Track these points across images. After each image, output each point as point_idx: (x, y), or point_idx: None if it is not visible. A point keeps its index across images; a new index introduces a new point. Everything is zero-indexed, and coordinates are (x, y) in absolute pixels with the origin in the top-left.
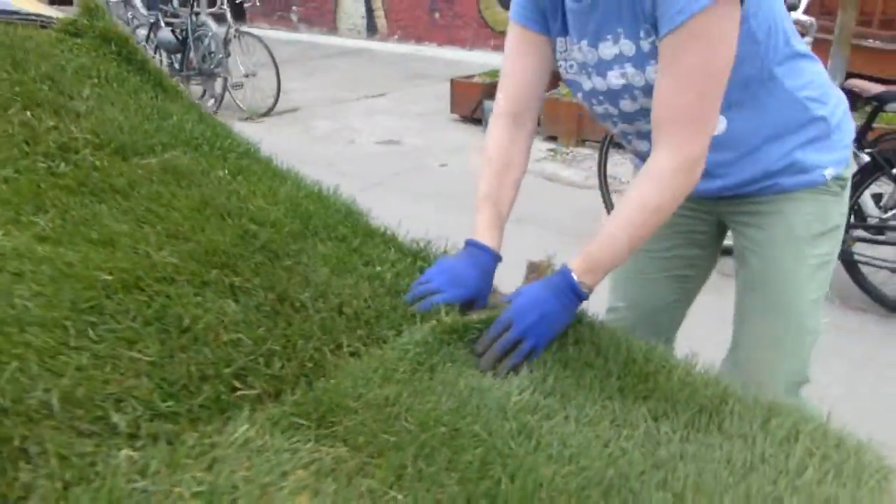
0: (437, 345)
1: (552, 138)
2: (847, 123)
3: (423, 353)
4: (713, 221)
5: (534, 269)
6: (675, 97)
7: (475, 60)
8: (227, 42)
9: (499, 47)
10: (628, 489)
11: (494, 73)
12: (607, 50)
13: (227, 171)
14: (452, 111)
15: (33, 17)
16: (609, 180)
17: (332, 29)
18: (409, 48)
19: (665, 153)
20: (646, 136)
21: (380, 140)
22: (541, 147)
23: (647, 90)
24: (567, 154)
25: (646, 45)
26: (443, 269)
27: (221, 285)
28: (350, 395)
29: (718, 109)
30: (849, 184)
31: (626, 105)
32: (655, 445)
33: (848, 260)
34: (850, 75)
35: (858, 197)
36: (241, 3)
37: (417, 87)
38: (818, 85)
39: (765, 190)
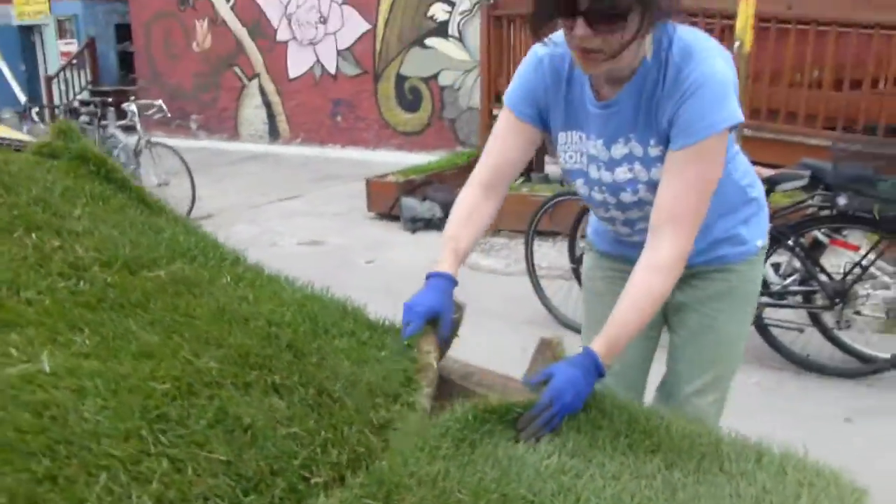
0: (477, 422)
1: (498, 231)
2: (765, 203)
3: (463, 430)
4: None
5: (547, 346)
6: (679, 201)
7: (380, 160)
8: (137, 153)
9: (402, 146)
10: None
11: (408, 172)
12: (618, 150)
13: (229, 279)
14: (369, 209)
15: (7, 141)
16: (536, 268)
17: (234, 135)
18: (313, 151)
19: (668, 247)
20: (630, 223)
21: (302, 241)
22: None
23: (650, 185)
24: (484, 244)
25: (654, 151)
26: (409, 306)
27: (264, 384)
28: (405, 474)
29: (707, 208)
30: (765, 250)
31: (626, 197)
32: (673, 491)
33: (759, 324)
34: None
35: None
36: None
37: (328, 188)
38: (750, 173)
39: (712, 261)
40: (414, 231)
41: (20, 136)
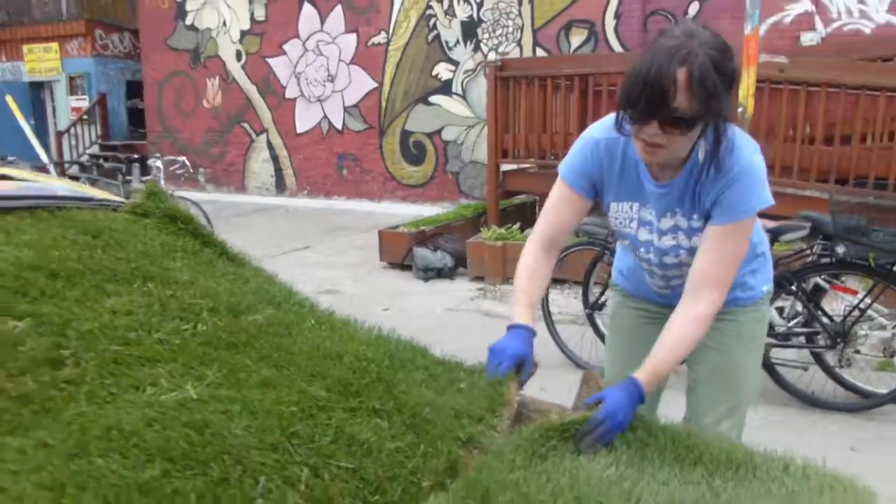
0: (543, 439)
1: (479, 278)
2: (769, 253)
3: (533, 445)
4: None
5: (591, 377)
6: (716, 268)
7: (385, 211)
8: None
9: (406, 198)
10: None
11: (418, 223)
12: (666, 222)
13: (313, 322)
14: (382, 259)
15: (105, 202)
16: (552, 314)
17: (241, 188)
18: (319, 203)
19: (705, 304)
20: (667, 279)
21: (319, 290)
22: (470, 287)
23: (690, 251)
24: (495, 291)
25: (696, 224)
26: (498, 349)
27: (366, 409)
28: (492, 481)
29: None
30: (770, 294)
31: (669, 259)
32: (716, 494)
33: (766, 363)
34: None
35: None
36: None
37: (337, 238)
38: (759, 231)
39: (726, 304)
40: (426, 280)
41: (112, 197)
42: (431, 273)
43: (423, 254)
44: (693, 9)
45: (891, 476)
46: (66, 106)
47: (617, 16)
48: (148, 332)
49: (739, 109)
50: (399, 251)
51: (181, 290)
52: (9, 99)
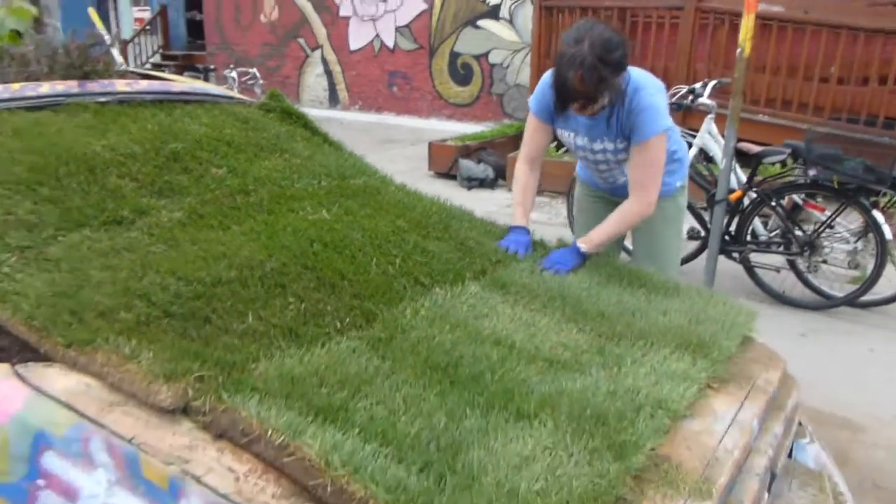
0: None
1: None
2: (685, 159)
3: (532, 265)
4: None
5: (559, 241)
6: (642, 172)
7: (432, 128)
8: None
9: (452, 116)
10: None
11: (464, 138)
12: (597, 146)
13: (393, 188)
14: (430, 168)
15: (238, 100)
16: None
17: (296, 101)
18: (370, 117)
19: (636, 199)
20: (603, 174)
21: None
22: (507, 196)
23: (616, 161)
24: (554, 204)
25: (620, 145)
26: (509, 240)
27: (432, 236)
28: (508, 280)
29: (660, 180)
30: (686, 188)
31: (602, 166)
32: (649, 302)
33: (746, 265)
34: (739, 140)
35: (751, 222)
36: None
37: (389, 150)
38: (677, 141)
39: None
40: (469, 188)
41: (241, 97)
42: (474, 182)
43: (468, 165)
44: None
45: (829, 360)
46: (129, 16)
47: None
48: (291, 183)
49: (738, 51)
50: (446, 162)
51: (305, 160)
52: (91, 11)
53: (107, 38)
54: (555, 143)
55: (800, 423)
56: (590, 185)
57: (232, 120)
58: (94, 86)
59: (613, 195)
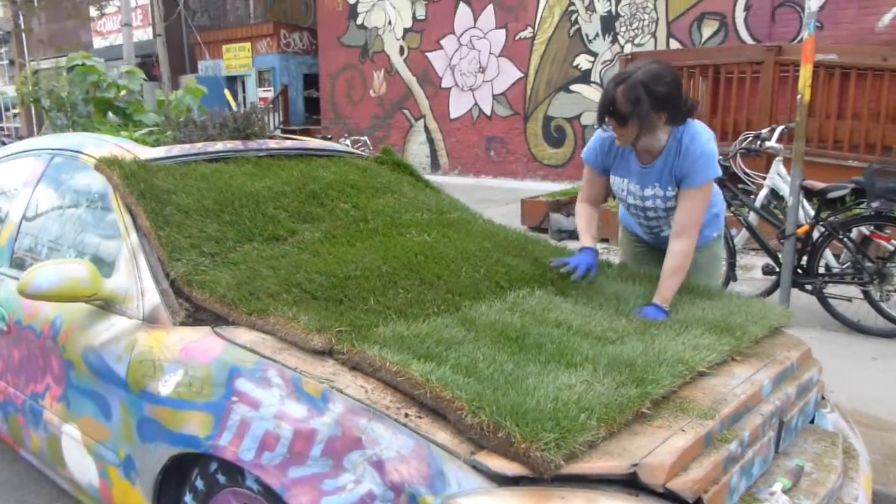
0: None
1: (604, 239)
2: (722, 214)
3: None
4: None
5: None
6: (688, 216)
7: (527, 188)
8: None
9: (546, 177)
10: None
11: (555, 194)
12: (648, 192)
13: (482, 222)
14: (523, 223)
15: (358, 155)
16: None
17: None
18: (469, 180)
19: (683, 241)
20: (650, 227)
21: None
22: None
23: (665, 209)
24: (617, 249)
25: (670, 193)
26: (575, 259)
27: (511, 254)
28: (573, 287)
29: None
30: (721, 238)
31: (651, 213)
32: (692, 302)
33: (820, 297)
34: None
35: (822, 255)
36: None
37: (486, 208)
38: (716, 198)
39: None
40: (560, 240)
41: (361, 153)
42: (564, 234)
43: (558, 218)
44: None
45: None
46: (255, 96)
47: (747, 7)
48: (400, 215)
49: (798, 97)
50: (537, 216)
51: (411, 199)
52: (227, 92)
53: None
54: None
55: (822, 397)
56: (633, 233)
57: (353, 169)
58: (253, 144)
59: (657, 245)
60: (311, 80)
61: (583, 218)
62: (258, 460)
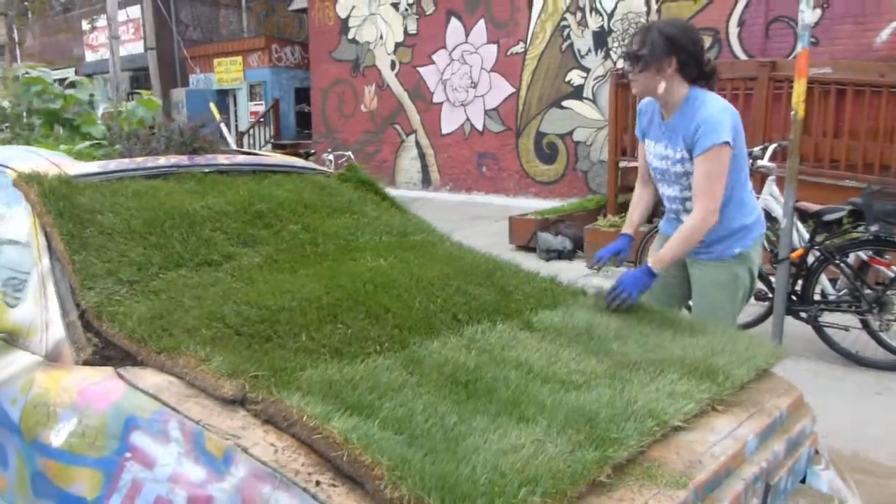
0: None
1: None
2: (753, 231)
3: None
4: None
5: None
6: (701, 183)
7: (519, 205)
8: None
9: (539, 194)
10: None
11: (543, 213)
12: (669, 151)
13: (449, 244)
14: (511, 241)
15: (322, 171)
16: None
17: (391, 182)
18: (461, 197)
19: (697, 210)
20: (674, 211)
21: None
22: (584, 268)
23: (674, 176)
24: (607, 272)
25: (678, 155)
26: (606, 249)
27: (474, 282)
28: (542, 321)
29: (722, 191)
30: (748, 255)
31: (671, 179)
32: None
33: (815, 325)
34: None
35: (817, 281)
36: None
37: (476, 226)
38: (743, 213)
39: (707, 257)
40: (548, 260)
41: (323, 168)
42: (553, 254)
43: (546, 237)
44: (814, 16)
45: None
46: (246, 110)
47: (740, 23)
48: (356, 238)
49: (792, 113)
50: (525, 235)
51: (372, 220)
52: (212, 105)
53: (224, 128)
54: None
55: (816, 451)
56: (664, 235)
57: (311, 186)
58: (200, 159)
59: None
60: (302, 95)
61: (633, 202)
62: None
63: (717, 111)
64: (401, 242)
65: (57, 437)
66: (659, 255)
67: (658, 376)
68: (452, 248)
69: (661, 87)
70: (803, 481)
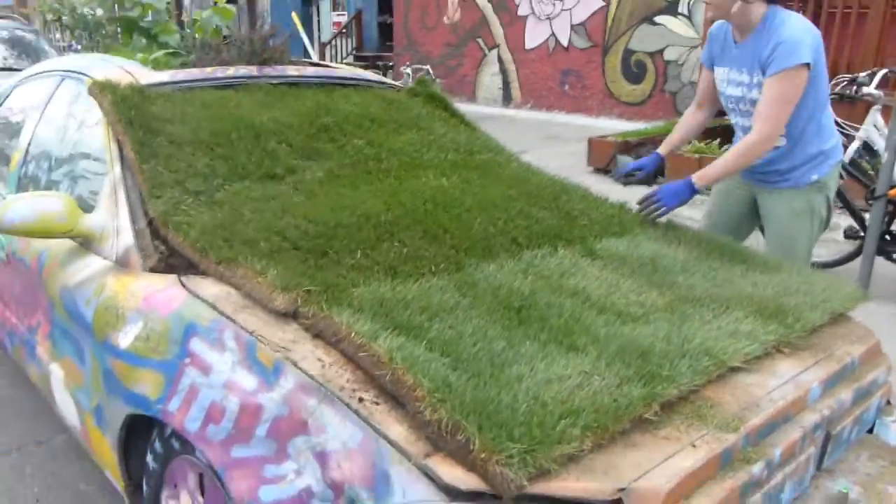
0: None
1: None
2: (833, 157)
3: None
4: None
5: None
6: (766, 106)
7: (601, 126)
8: None
9: (623, 115)
10: None
11: (625, 135)
12: (743, 77)
13: (517, 164)
14: (588, 164)
15: (389, 85)
16: None
17: (471, 98)
18: (541, 115)
19: (755, 132)
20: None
21: None
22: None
23: (750, 104)
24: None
25: (755, 80)
26: (634, 163)
27: (539, 205)
28: (606, 248)
29: (787, 118)
30: (825, 182)
31: (743, 108)
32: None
33: None
34: None
35: None
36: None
37: (553, 146)
38: (825, 138)
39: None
40: (626, 185)
41: (393, 83)
42: (631, 179)
43: (625, 161)
44: None
45: None
46: (328, 21)
47: None
48: (421, 154)
49: None
50: (604, 157)
51: (438, 137)
52: (294, 16)
53: (305, 40)
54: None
55: (888, 402)
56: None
57: (379, 101)
58: (269, 70)
59: (755, 183)
60: (386, 5)
61: (678, 122)
62: (203, 433)
63: (798, 31)
64: (466, 161)
65: (125, 338)
66: (704, 171)
67: (722, 314)
68: (519, 169)
69: (737, 5)
70: (871, 431)
